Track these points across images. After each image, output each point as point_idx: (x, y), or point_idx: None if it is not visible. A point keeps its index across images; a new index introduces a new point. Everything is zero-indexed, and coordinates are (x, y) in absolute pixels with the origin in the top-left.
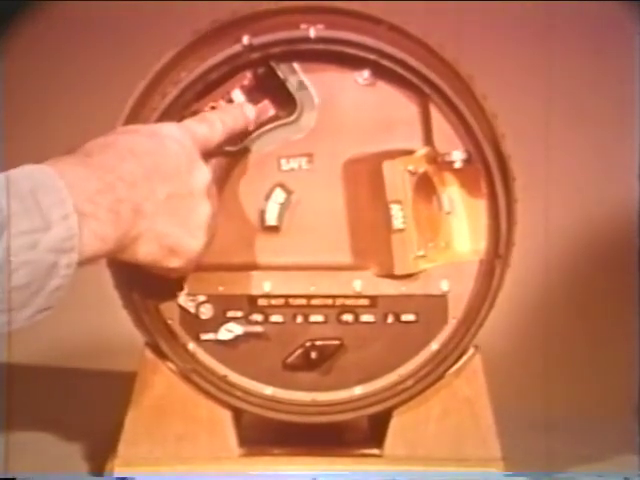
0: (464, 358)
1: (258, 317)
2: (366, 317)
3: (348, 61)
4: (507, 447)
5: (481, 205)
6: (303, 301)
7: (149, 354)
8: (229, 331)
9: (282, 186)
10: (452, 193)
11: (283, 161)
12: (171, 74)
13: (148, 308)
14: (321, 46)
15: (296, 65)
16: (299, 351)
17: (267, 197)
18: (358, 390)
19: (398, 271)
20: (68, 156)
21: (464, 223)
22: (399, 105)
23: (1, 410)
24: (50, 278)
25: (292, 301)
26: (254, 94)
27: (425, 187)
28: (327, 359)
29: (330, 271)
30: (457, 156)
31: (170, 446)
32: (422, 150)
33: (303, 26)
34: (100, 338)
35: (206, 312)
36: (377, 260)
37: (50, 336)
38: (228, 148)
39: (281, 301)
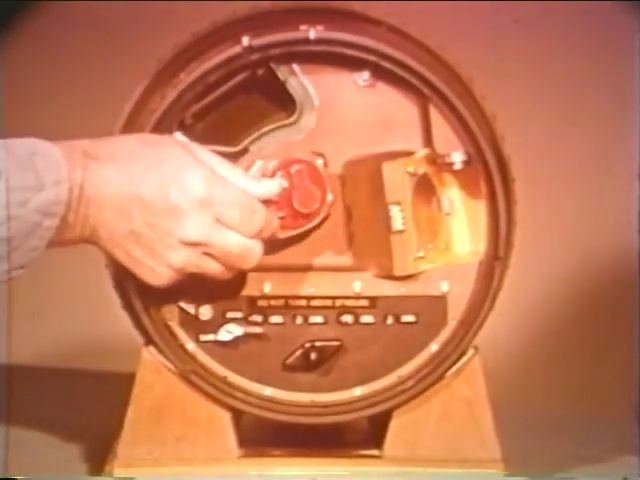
0: (463, 359)
1: (258, 318)
2: (366, 318)
3: (348, 62)
4: (507, 448)
5: (481, 206)
6: (303, 302)
7: (148, 355)
8: (229, 332)
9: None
10: (452, 194)
11: None
12: (170, 75)
13: (147, 309)
14: (321, 47)
15: (296, 66)
16: (299, 352)
17: None
18: (358, 391)
19: (398, 272)
20: None
21: (464, 224)
22: (399, 106)
23: (1, 410)
24: (30, 237)
25: (292, 302)
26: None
27: (425, 188)
28: (327, 360)
29: (330, 272)
30: (457, 157)
31: (169, 447)
32: (422, 151)
33: (303, 27)
34: (100, 339)
35: (206, 313)
36: (377, 261)
37: (50, 337)
38: (228, 149)
39: (281, 302)
